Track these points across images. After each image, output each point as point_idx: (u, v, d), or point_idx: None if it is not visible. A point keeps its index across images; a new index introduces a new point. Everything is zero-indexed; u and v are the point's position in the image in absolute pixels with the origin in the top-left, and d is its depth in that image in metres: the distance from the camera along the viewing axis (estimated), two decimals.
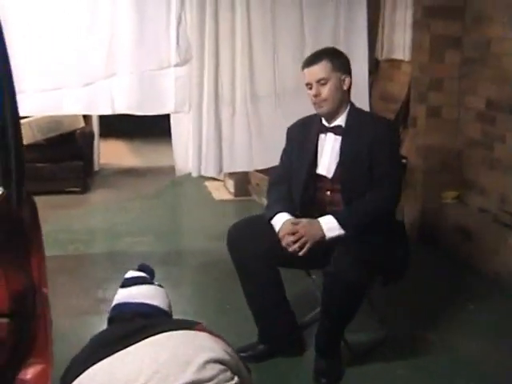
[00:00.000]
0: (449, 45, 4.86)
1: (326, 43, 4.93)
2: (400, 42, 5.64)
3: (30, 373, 2.16)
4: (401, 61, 5.80)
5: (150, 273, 2.53)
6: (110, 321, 2.43)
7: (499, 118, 4.51)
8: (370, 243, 3.00)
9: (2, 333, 2.05)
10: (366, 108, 4.76)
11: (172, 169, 7.19)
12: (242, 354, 2.72)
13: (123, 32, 4.52)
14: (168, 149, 7.91)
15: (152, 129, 8.41)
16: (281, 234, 3.13)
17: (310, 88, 3.22)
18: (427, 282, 4.28)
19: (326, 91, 3.17)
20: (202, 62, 4.72)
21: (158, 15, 4.55)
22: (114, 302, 2.47)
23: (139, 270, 2.52)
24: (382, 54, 5.94)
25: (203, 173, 5.02)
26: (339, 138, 3.23)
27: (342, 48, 4.92)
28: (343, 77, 3.20)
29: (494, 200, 4.60)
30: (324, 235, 3.06)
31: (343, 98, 3.23)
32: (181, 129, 4.96)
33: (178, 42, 4.62)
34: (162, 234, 5.39)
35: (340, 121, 3.25)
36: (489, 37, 4.58)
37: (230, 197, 6.38)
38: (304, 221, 3.11)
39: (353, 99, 3.33)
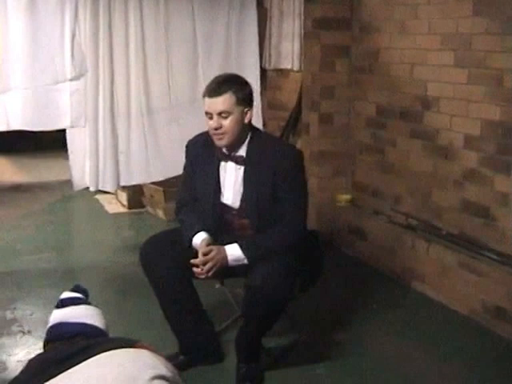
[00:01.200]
0: (338, 54, 5.07)
1: (218, 55, 5.06)
2: (288, 52, 5.79)
3: None
4: (289, 70, 5.96)
5: (84, 292, 2.50)
6: (48, 342, 2.39)
7: (389, 123, 4.74)
8: (284, 254, 3.06)
9: None
10: (258, 117, 4.88)
11: (61, 183, 7.13)
12: None
13: (17, 47, 4.42)
14: (55, 163, 7.82)
15: (37, 144, 8.23)
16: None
17: (210, 118, 3.09)
18: (328, 284, 4.41)
19: (226, 124, 3.06)
20: (96, 75, 4.70)
21: (52, 29, 4.49)
22: (51, 323, 2.41)
23: (73, 290, 2.48)
24: (270, 64, 6.08)
25: (101, 187, 5.00)
26: (241, 168, 3.19)
27: (233, 58, 5.08)
28: (246, 110, 3.11)
29: (387, 202, 4.82)
30: (227, 263, 3.10)
31: (244, 130, 3.15)
32: (77, 143, 4.90)
33: (72, 55, 4.57)
34: (61, 250, 5.28)
35: (242, 151, 3.18)
36: (377, 47, 4.81)
37: (123, 209, 6.33)
38: (215, 248, 3.11)
39: None
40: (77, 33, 4.58)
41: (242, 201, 3.22)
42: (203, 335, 3.38)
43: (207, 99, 3.10)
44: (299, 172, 3.22)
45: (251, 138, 3.20)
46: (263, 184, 3.14)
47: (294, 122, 5.88)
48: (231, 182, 3.23)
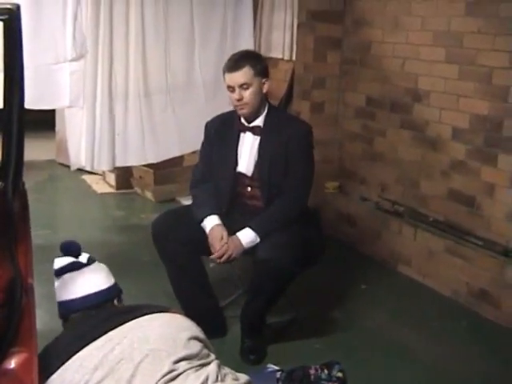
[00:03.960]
0: (331, 46, 5.26)
1: (214, 41, 5.22)
2: (279, 42, 5.96)
3: (14, 362, 2.21)
4: (279, 59, 6.12)
5: (78, 250, 2.55)
6: (69, 315, 2.47)
7: (379, 114, 4.95)
8: (288, 231, 3.28)
9: None
10: None
11: (47, 163, 7.21)
12: None
13: None
14: (41, 143, 7.88)
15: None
16: (211, 242, 3.36)
17: (232, 91, 3.37)
18: (320, 266, 4.59)
19: (247, 95, 3.34)
20: (96, 57, 4.79)
21: (55, 10, 4.58)
22: (70, 297, 2.48)
23: (65, 253, 2.52)
24: (260, 53, 6.22)
25: (96, 167, 5.09)
26: (258, 138, 3.46)
27: (228, 47, 5.23)
28: (263, 80, 3.40)
29: (374, 189, 5.04)
30: (244, 248, 3.32)
31: (262, 100, 3.44)
32: (74, 123, 5.01)
33: (74, 37, 4.65)
34: (54, 227, 5.40)
35: (259, 121, 3.46)
36: (369, 40, 5.01)
37: (111, 190, 6.45)
38: (228, 241, 3.33)
39: None
40: (78, 14, 4.67)
41: (254, 168, 3.45)
42: (209, 309, 3.58)
43: (228, 74, 3.37)
44: (309, 146, 3.51)
45: (268, 110, 3.46)
46: (276, 154, 3.39)
47: (284, 109, 6.04)
48: (247, 150, 3.47)
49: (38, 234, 5.05)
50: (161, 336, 2.24)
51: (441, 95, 4.40)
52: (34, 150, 7.74)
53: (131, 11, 4.87)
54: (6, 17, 1.78)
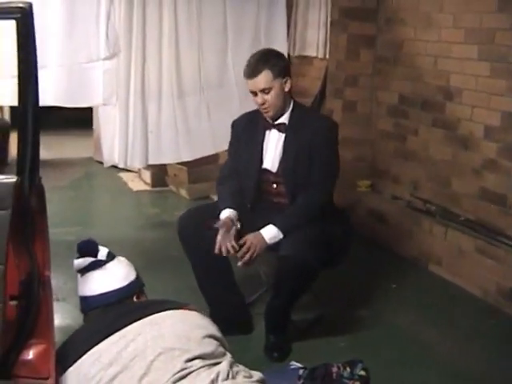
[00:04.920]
0: (363, 44, 5.25)
1: (248, 39, 5.22)
2: (313, 40, 5.95)
3: (32, 353, 2.26)
4: (313, 57, 6.12)
5: (96, 248, 2.53)
6: (89, 310, 2.50)
7: (412, 112, 4.92)
8: (312, 228, 3.28)
9: (12, 315, 2.17)
10: None
11: (84, 161, 7.33)
12: None
13: (53, 25, 4.58)
14: (79, 141, 8.02)
15: (60, 122, 8.39)
16: (218, 239, 3.31)
17: (255, 95, 3.38)
18: (350, 265, 4.58)
19: (270, 99, 3.35)
20: (129, 56, 4.84)
21: (88, 9, 4.63)
22: (90, 293, 2.50)
23: (82, 254, 2.51)
24: (294, 51, 6.23)
25: (129, 164, 5.14)
26: (283, 135, 3.48)
27: (262, 45, 5.23)
28: (284, 80, 3.39)
29: (406, 188, 5.01)
30: (267, 243, 3.31)
31: (286, 99, 3.44)
32: (108, 121, 5.07)
33: (107, 36, 4.71)
34: (87, 224, 5.49)
35: (284, 119, 3.48)
36: (401, 38, 4.97)
37: (146, 187, 6.52)
38: (250, 236, 3.32)
39: None
40: (111, 14, 4.72)
41: (280, 164, 3.46)
42: (235, 306, 3.60)
43: (247, 80, 3.39)
44: (333, 143, 3.51)
45: (293, 107, 3.47)
46: (301, 151, 3.40)
47: (317, 108, 6.04)
48: (273, 147, 3.49)
49: (71, 231, 5.16)
50: (175, 334, 2.25)
51: (472, 93, 4.35)
52: (73, 147, 7.93)
53: (164, 11, 4.91)
54: (19, 15, 1.82)
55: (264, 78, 3.32)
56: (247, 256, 3.30)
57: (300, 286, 3.31)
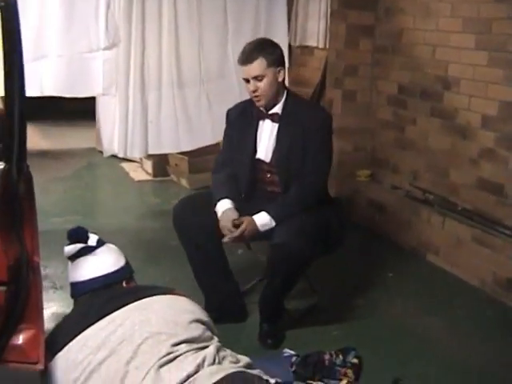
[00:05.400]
0: (363, 34, 5.23)
1: (248, 30, 5.21)
2: (314, 30, 5.97)
3: (22, 338, 2.28)
4: (314, 47, 6.12)
5: (86, 235, 2.59)
6: (79, 295, 2.54)
7: (410, 102, 4.91)
8: (305, 216, 3.29)
9: (1, 300, 2.18)
10: None
11: (86, 151, 7.35)
12: None
13: (53, 15, 4.59)
14: (80, 132, 8.04)
15: (61, 112, 8.41)
16: (221, 225, 3.36)
17: (248, 82, 3.37)
18: (348, 254, 4.60)
19: (262, 86, 3.33)
20: (128, 46, 4.84)
21: None
22: (79, 279, 2.54)
23: (73, 241, 2.57)
24: (296, 41, 6.25)
25: (129, 154, 5.15)
26: (276, 125, 3.47)
27: (262, 35, 5.22)
28: (278, 69, 3.37)
29: (405, 177, 5.01)
30: (258, 229, 3.32)
31: (279, 88, 3.42)
32: (107, 111, 5.08)
33: (106, 26, 4.71)
34: (88, 213, 5.50)
35: (277, 108, 3.46)
36: (400, 27, 4.97)
37: (148, 177, 6.54)
38: (243, 220, 3.33)
39: None
40: (111, 3, 4.72)
41: (273, 154, 3.46)
42: (229, 294, 3.61)
43: (241, 67, 3.38)
44: (327, 134, 3.49)
45: (286, 97, 3.46)
46: (294, 141, 3.40)
47: (318, 98, 6.05)
48: (266, 137, 3.49)
49: (72, 220, 5.18)
50: (162, 318, 2.28)
51: (470, 82, 4.34)
52: (76, 138, 7.95)
53: (164, 1, 4.92)
54: (3, 4, 1.83)
55: (258, 66, 3.32)
56: (236, 232, 3.30)
57: (292, 274, 3.31)
